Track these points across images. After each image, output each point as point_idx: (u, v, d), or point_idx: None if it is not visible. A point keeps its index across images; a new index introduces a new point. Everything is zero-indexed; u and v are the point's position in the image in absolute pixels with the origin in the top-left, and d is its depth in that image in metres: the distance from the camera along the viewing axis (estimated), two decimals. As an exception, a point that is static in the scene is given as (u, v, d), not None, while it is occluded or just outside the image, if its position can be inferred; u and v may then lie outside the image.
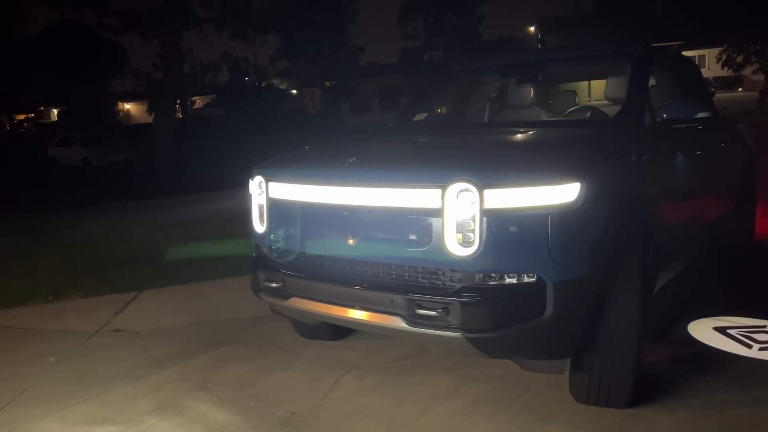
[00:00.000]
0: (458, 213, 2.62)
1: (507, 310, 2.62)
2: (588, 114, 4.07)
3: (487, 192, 2.57)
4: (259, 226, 3.39)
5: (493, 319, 2.62)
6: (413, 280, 2.79)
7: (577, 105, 4.42)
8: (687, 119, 3.61)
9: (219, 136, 27.07)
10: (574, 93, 4.63)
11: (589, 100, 4.87)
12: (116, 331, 4.61)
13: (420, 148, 3.58)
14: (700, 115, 3.61)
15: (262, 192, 3.34)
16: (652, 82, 4.02)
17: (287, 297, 3.19)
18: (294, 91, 44.72)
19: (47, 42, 27.98)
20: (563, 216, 2.58)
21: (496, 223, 2.57)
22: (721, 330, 4.09)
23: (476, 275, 2.65)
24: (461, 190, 2.61)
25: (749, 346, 3.83)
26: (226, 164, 14.72)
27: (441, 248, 2.65)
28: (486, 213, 2.57)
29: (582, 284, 2.64)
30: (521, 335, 2.64)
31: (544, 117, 4.24)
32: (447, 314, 2.64)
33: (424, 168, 2.87)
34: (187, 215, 9.84)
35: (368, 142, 4.04)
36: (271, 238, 3.31)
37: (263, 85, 41.07)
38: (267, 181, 3.31)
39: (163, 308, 5.09)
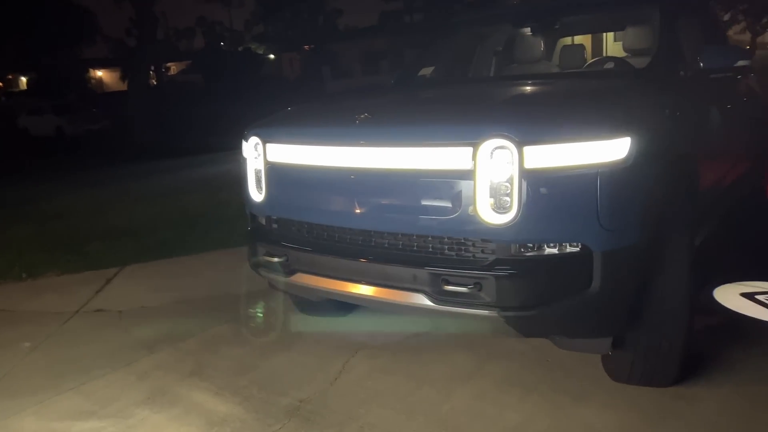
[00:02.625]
0: (493, 174, 2.28)
1: (549, 285, 2.31)
2: (612, 65, 3.72)
3: (527, 149, 2.22)
4: (256, 194, 3.01)
5: (534, 295, 2.30)
6: (438, 252, 2.45)
7: (595, 57, 4.07)
8: (725, 68, 3.27)
9: (196, 102, 26.27)
10: (582, 46, 4.27)
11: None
12: (98, 311, 4.24)
13: (440, 102, 3.19)
14: (740, 63, 3.27)
15: (259, 155, 2.95)
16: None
17: (291, 273, 2.84)
18: (272, 56, 43.56)
19: (14, 7, 26.71)
20: (614, 175, 2.25)
21: (538, 185, 2.23)
22: (749, 296, 3.85)
23: (512, 246, 2.32)
24: (496, 148, 2.26)
25: (768, 309, 3.61)
26: (206, 131, 14.23)
27: (472, 215, 2.31)
28: (526, 174, 2.23)
29: (631, 253, 2.32)
30: (564, 312, 2.33)
31: (560, 70, 3.88)
32: (479, 290, 2.31)
33: (452, 123, 2.50)
34: (170, 184, 9.42)
35: (376, 98, 3.65)
36: (271, 207, 2.94)
37: (240, 50, 39.94)
38: (264, 142, 2.92)
39: (148, 285, 4.71)
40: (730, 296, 3.82)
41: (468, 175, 2.31)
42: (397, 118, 2.75)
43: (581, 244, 2.28)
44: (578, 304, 2.31)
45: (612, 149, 2.26)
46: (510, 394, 2.79)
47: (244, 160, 3.09)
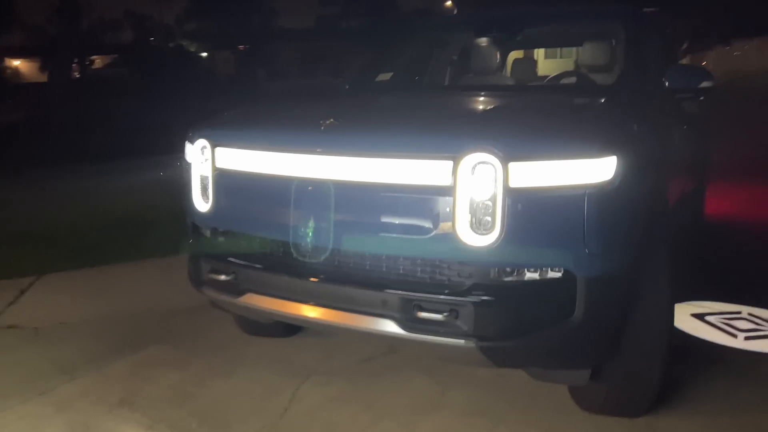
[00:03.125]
0: (474, 191, 2.07)
1: (530, 313, 2.12)
2: (574, 80, 3.63)
3: (512, 166, 2.03)
4: (201, 203, 2.70)
5: (513, 325, 2.11)
6: (410, 274, 2.22)
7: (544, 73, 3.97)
8: (690, 89, 3.21)
9: (123, 98, 25.02)
10: (535, 61, 4.19)
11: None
12: (9, 327, 3.77)
13: (410, 111, 2.97)
14: (704, 84, 3.22)
15: (207, 160, 2.64)
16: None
17: (241, 293, 2.54)
18: (204, 54, 42.29)
19: None
20: (602, 196, 2.09)
21: (522, 204, 2.05)
22: (700, 317, 3.83)
23: (492, 270, 2.13)
24: (479, 163, 2.06)
25: (734, 336, 3.58)
26: (135, 130, 13.43)
27: (449, 236, 2.10)
28: (510, 192, 2.04)
29: (616, 278, 2.17)
30: (545, 342, 2.15)
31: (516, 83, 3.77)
32: (456, 318, 2.10)
33: (430, 134, 2.28)
34: (95, 186, 8.77)
35: (335, 102, 3.38)
36: (219, 218, 2.64)
37: (171, 46, 38.57)
38: (213, 146, 2.61)
39: (69, 297, 4.26)
40: (681, 317, 3.77)
41: (447, 191, 2.10)
42: (367, 125, 2.51)
43: (564, 269, 2.12)
44: (559, 334, 2.14)
45: (600, 168, 2.10)
46: (477, 427, 2.60)
47: (188, 164, 2.77)
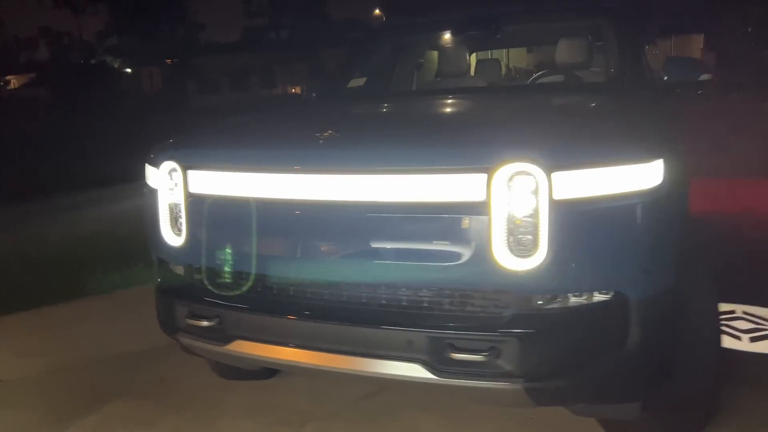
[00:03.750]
0: (512, 207, 1.78)
1: (580, 345, 1.84)
2: (562, 78, 3.40)
3: (556, 175, 1.75)
4: (171, 236, 2.29)
5: (564, 359, 1.82)
6: (438, 308, 1.90)
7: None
8: (689, 82, 3.03)
9: (43, 120, 23.52)
10: (498, 60, 3.94)
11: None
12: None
13: (421, 118, 2.63)
14: (703, 77, 3.05)
15: (177, 185, 2.24)
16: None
17: (228, 339, 2.15)
18: (129, 70, 40.67)
19: None
20: (652, 204, 1.84)
21: (568, 218, 1.76)
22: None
23: (534, 297, 1.83)
24: (517, 174, 1.76)
25: (738, 338, 3.43)
26: (59, 155, 12.36)
27: (484, 260, 1.79)
28: (555, 205, 1.75)
29: (667, 296, 1.92)
30: (597, 376, 1.87)
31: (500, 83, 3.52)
32: (497, 357, 1.79)
33: (457, 144, 1.95)
34: (23, 219, 7.91)
35: (317, 113, 3.02)
36: (195, 253, 2.23)
37: (93, 62, 36.88)
38: (185, 168, 2.21)
39: (7, 348, 3.70)
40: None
41: (479, 208, 1.79)
42: (376, 136, 2.16)
43: (614, 291, 1.85)
44: (612, 365, 1.87)
45: (649, 174, 1.85)
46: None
47: (152, 191, 2.36)
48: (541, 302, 1.83)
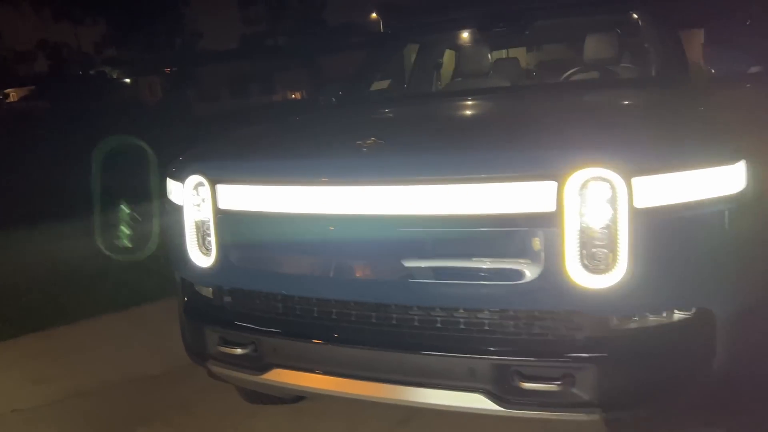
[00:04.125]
0: (588, 217, 1.59)
1: (663, 368, 1.66)
2: (597, 74, 3.21)
3: (637, 181, 1.57)
4: (198, 256, 2.10)
5: (647, 385, 1.64)
6: (500, 331, 1.72)
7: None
8: (738, 76, 2.84)
9: (45, 133, 23.25)
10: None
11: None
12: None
13: (470, 122, 2.45)
14: (753, 69, 2.87)
15: (205, 200, 2.06)
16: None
17: (264, 368, 1.97)
18: (128, 80, 40.59)
19: None
20: (739, 209, 1.66)
21: (651, 229, 1.58)
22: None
23: (612, 317, 1.65)
24: (592, 180, 1.58)
25: None
26: (62, 170, 11.78)
27: (555, 278, 1.61)
28: (636, 214, 1.57)
29: (753, 310, 1.74)
30: (680, 401, 1.69)
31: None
32: (572, 385, 1.61)
33: (521, 149, 1.77)
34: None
35: (351, 118, 2.82)
36: (226, 273, 2.05)
37: (92, 73, 36.80)
38: (213, 182, 2.03)
39: (18, 373, 3.52)
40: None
41: (549, 219, 1.61)
42: (426, 143, 1.97)
43: (701, 308, 1.66)
44: (699, 389, 1.68)
45: (734, 177, 1.67)
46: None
47: (175, 208, 2.18)
48: (619, 323, 1.65)
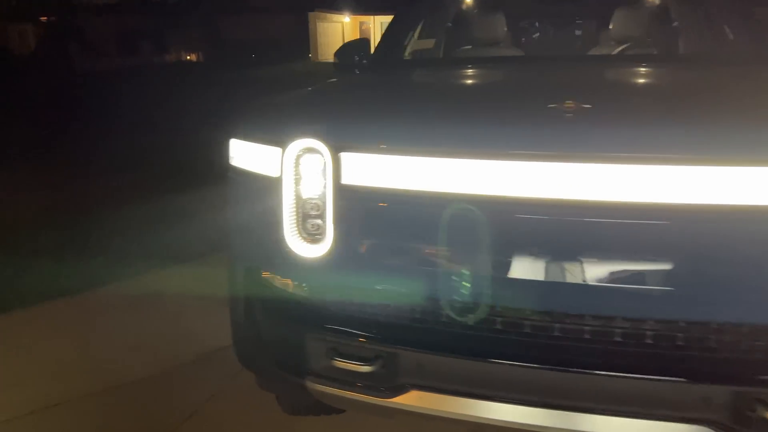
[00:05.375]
0: None
1: None
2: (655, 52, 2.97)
3: None
4: (299, 244, 1.63)
5: None
6: (748, 352, 1.40)
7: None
8: None
9: None
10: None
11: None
12: None
13: (661, 93, 2.02)
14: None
15: (316, 173, 1.59)
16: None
17: (396, 390, 1.55)
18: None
19: None
20: None
21: None
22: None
23: None
24: None
25: None
26: None
27: None
28: None
29: None
30: None
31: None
32: None
33: None
34: None
35: (482, 79, 2.32)
36: (349, 269, 1.60)
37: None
38: (336, 150, 1.56)
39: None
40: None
41: None
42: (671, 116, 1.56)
43: None
44: None
45: None
46: None
47: (261, 180, 1.68)
48: None
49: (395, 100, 1.95)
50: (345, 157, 1.56)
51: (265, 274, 1.74)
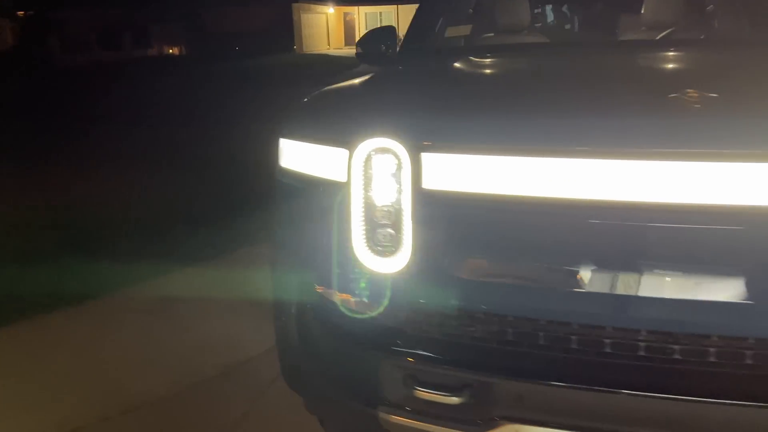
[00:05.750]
0: None
1: None
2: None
3: None
4: (368, 256, 1.43)
5: None
6: None
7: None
8: None
9: None
10: None
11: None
12: None
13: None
14: None
15: (393, 175, 1.39)
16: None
17: (488, 424, 1.36)
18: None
19: None
20: None
21: None
22: None
23: None
24: None
25: None
26: None
27: None
28: None
29: None
30: None
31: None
32: None
33: None
34: None
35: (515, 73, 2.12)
36: (427, 284, 1.40)
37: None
38: (417, 150, 1.36)
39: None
40: None
41: None
42: None
43: None
44: None
45: None
46: None
47: (324, 185, 1.48)
48: None
49: (474, 92, 1.75)
50: (426, 158, 1.36)
51: (320, 289, 1.54)
